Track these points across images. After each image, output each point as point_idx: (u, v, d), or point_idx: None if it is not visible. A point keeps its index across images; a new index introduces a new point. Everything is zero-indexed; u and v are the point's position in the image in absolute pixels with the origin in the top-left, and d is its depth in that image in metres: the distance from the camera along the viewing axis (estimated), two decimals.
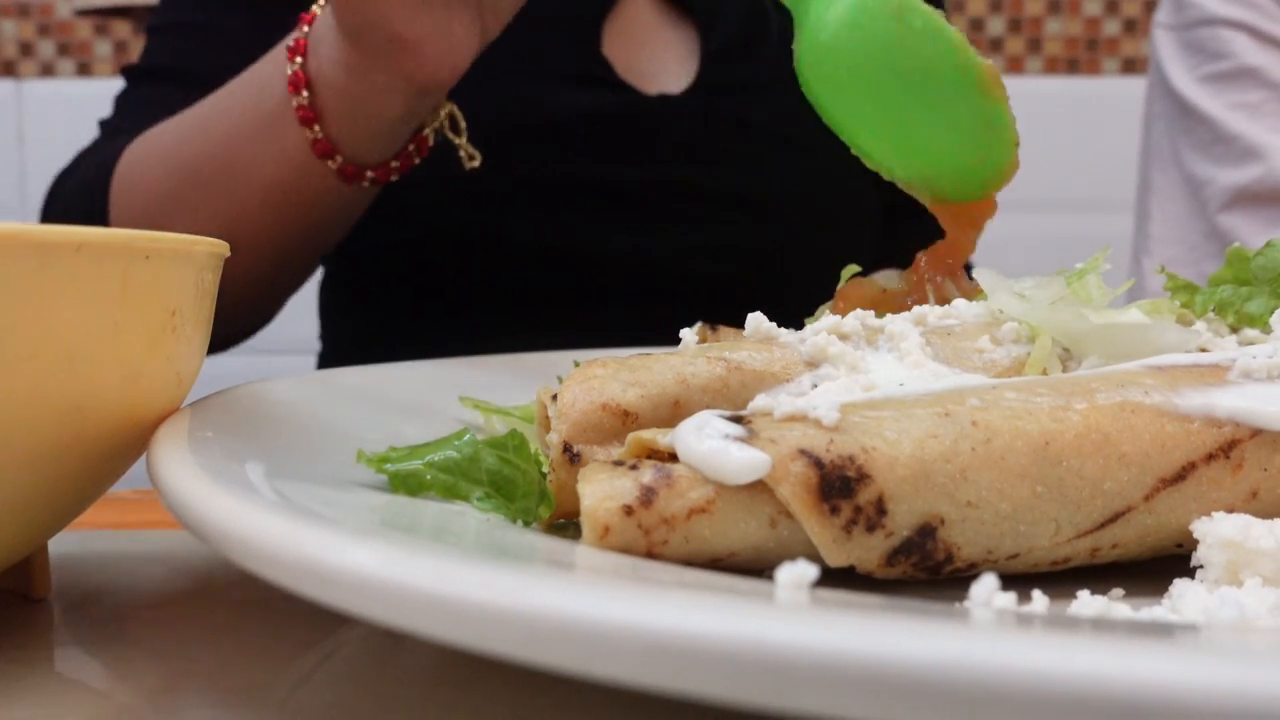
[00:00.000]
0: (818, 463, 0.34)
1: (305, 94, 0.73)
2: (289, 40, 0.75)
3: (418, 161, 0.79)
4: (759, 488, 0.34)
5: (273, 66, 0.76)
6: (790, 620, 0.21)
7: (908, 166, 0.54)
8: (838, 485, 0.34)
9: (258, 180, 0.78)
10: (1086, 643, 0.20)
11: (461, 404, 0.58)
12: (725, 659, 0.21)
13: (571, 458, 0.41)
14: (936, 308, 0.49)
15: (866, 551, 0.34)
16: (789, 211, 1.08)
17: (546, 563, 0.31)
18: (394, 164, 0.78)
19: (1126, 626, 0.25)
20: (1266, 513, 0.36)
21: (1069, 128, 2.01)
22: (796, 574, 0.27)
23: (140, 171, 0.85)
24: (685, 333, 0.49)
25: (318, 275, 1.17)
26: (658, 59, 1.08)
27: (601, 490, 0.34)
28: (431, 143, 0.78)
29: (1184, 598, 0.32)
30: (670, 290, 1.05)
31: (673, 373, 0.44)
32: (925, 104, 0.51)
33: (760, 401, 0.38)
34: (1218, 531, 0.34)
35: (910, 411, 0.36)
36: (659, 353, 0.46)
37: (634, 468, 0.35)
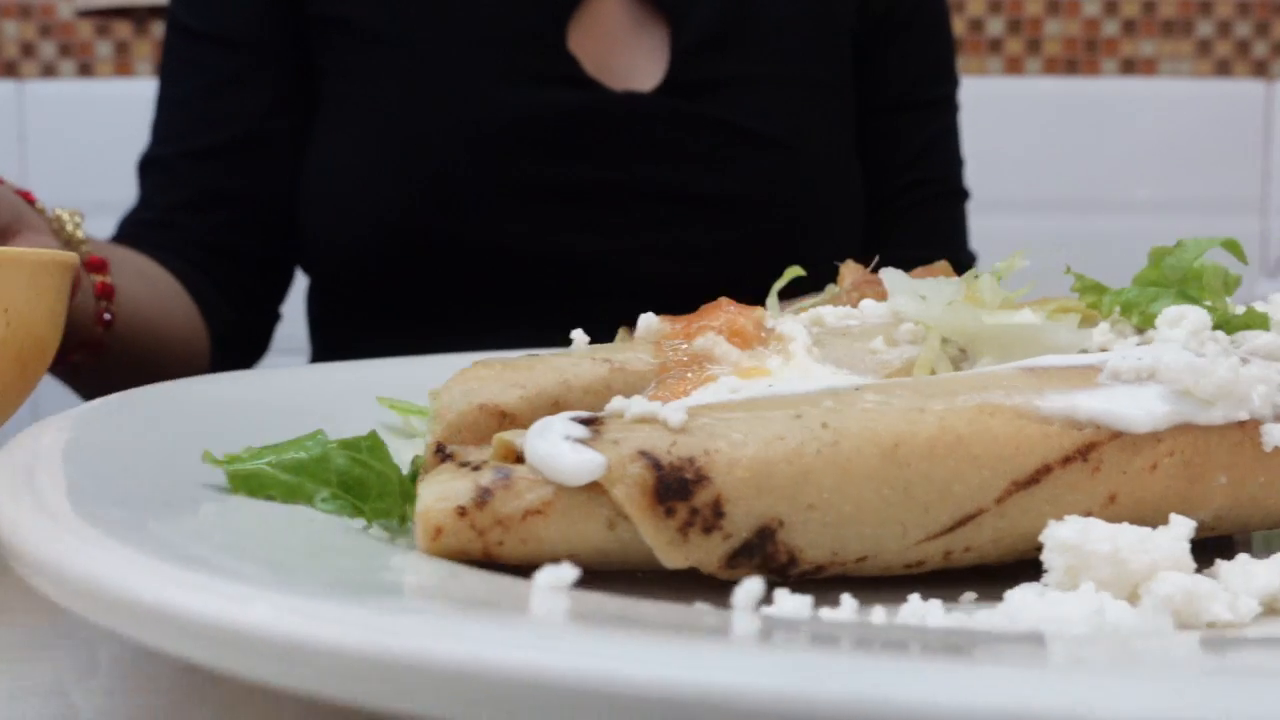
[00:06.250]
0: (656, 464, 0.33)
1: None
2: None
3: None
4: (597, 489, 0.34)
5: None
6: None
7: None
8: (675, 487, 0.33)
9: None
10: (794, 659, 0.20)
11: (379, 404, 0.58)
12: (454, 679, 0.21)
13: (444, 458, 0.40)
14: (837, 308, 0.49)
15: (705, 554, 0.34)
16: (760, 211, 1.07)
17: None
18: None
19: (882, 638, 0.24)
20: (1126, 517, 0.36)
21: (1068, 128, 1.99)
22: (555, 576, 0.26)
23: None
24: (577, 334, 0.48)
25: (304, 282, 1.18)
26: (627, 57, 1.07)
27: (436, 491, 0.34)
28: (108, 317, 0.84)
29: (1021, 602, 0.32)
30: (638, 290, 1.04)
31: (555, 373, 0.43)
32: None
33: (616, 403, 0.37)
34: (1057, 535, 0.33)
35: (763, 413, 0.36)
36: (547, 353, 0.46)
37: (477, 469, 0.34)
